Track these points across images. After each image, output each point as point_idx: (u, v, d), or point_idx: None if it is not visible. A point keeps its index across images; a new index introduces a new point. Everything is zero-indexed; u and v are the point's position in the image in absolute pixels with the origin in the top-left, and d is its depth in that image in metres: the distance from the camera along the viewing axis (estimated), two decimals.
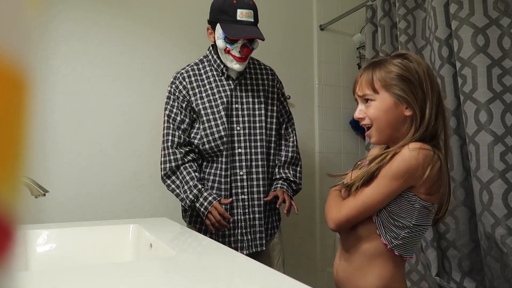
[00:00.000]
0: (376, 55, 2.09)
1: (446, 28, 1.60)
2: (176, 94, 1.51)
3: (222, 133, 1.46)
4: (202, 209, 1.43)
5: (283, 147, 1.62)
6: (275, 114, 1.57)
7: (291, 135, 1.65)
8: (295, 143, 1.64)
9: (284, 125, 1.64)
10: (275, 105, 1.58)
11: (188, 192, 1.45)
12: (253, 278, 0.68)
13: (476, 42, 1.45)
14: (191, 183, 1.45)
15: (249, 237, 1.48)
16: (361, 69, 0.98)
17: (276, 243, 1.59)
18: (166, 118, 1.52)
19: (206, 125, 1.48)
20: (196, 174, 1.47)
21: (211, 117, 1.48)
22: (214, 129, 1.47)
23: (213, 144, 1.48)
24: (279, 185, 1.54)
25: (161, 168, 1.50)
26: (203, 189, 1.45)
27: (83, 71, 1.94)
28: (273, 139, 1.56)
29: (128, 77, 2.04)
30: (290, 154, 1.60)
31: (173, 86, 1.53)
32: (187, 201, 1.45)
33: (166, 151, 1.49)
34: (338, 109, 2.54)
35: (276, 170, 1.59)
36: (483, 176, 1.40)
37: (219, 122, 1.47)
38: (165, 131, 1.51)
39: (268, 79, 1.60)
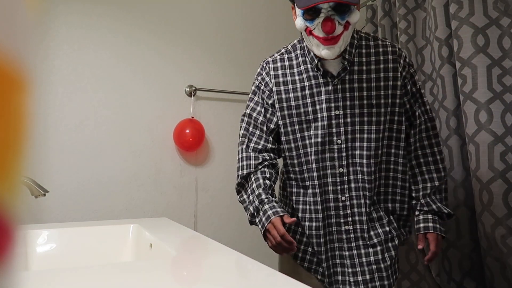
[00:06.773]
0: None
1: (446, 28, 1.60)
2: (262, 88, 1.17)
3: (314, 149, 1.10)
4: (260, 227, 1.05)
5: (420, 160, 1.17)
6: (396, 118, 1.12)
7: (432, 146, 1.17)
8: (437, 156, 1.17)
9: (417, 129, 1.17)
10: (397, 104, 1.11)
11: (249, 204, 1.09)
12: (253, 278, 0.68)
13: (476, 42, 1.45)
14: (256, 191, 1.08)
15: (357, 279, 1.10)
16: None
17: None
18: (243, 117, 1.20)
19: (291, 137, 1.13)
20: (267, 182, 1.10)
21: (297, 127, 1.12)
22: (300, 143, 1.12)
23: (303, 159, 1.13)
24: (430, 224, 1.13)
25: (236, 176, 1.17)
26: (266, 199, 1.06)
27: (83, 71, 1.94)
28: (400, 152, 1.14)
29: (128, 77, 2.04)
30: (435, 175, 1.16)
31: (259, 78, 1.18)
32: (248, 217, 1.10)
33: (240, 156, 1.17)
34: None
35: (421, 198, 1.16)
36: (483, 176, 1.40)
37: (312, 133, 1.10)
38: (241, 131, 1.19)
39: (388, 61, 1.10)
